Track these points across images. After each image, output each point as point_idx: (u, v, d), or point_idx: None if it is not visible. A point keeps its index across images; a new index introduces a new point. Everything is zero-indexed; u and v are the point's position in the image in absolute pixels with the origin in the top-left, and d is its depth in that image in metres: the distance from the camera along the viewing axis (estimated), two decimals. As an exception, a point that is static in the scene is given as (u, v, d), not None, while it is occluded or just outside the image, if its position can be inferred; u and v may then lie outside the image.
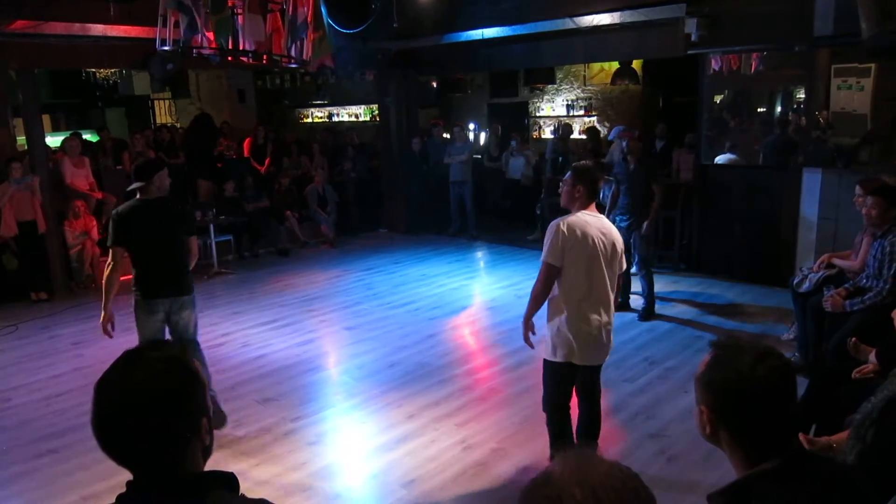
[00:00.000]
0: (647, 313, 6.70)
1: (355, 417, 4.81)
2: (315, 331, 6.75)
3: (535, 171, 11.03)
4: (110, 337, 4.36)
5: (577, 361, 3.55)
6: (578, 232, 3.44)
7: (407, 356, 5.93)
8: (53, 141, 10.35)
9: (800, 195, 7.28)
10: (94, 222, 8.57)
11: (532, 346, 3.80)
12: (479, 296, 7.97)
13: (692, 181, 8.38)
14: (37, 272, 7.93)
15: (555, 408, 3.71)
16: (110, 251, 4.27)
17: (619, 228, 6.43)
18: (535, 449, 4.22)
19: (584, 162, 3.91)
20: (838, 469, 1.66)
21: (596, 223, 3.50)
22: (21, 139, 9.11)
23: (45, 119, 11.41)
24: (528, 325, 3.67)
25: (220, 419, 4.49)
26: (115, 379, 1.33)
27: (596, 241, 3.46)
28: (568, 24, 8.31)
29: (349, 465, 4.18)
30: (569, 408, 3.75)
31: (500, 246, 10.32)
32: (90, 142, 10.75)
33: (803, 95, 7.35)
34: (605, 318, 3.55)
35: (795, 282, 5.32)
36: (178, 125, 13.39)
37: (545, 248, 3.47)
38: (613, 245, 3.55)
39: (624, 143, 9.11)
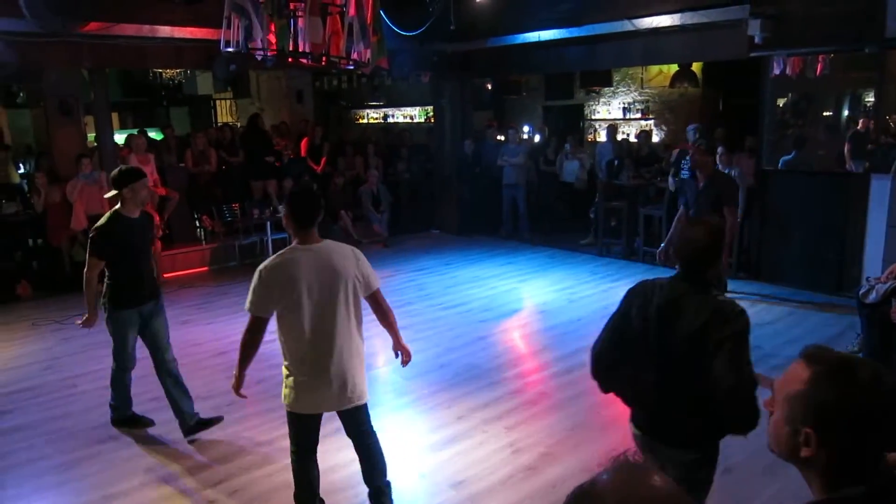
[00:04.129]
0: None
1: (405, 416, 4.85)
2: (366, 329, 6.78)
3: (590, 175, 10.92)
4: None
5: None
6: (283, 276, 3.07)
7: (457, 357, 5.94)
8: (120, 138, 10.74)
9: (867, 202, 7.02)
10: (158, 218, 8.85)
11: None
12: (530, 299, 7.93)
13: (753, 187, 8.16)
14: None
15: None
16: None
17: None
18: (584, 455, 4.18)
19: (303, 181, 3.44)
20: None
21: (311, 257, 3.12)
22: (91, 136, 9.51)
23: (114, 117, 11.85)
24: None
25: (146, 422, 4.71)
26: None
27: (307, 283, 3.09)
28: (626, 26, 8.21)
29: (398, 463, 4.20)
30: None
31: (553, 249, 10.24)
32: (155, 139, 11.11)
33: (872, 99, 7.08)
34: (335, 364, 3.28)
35: (861, 292, 5.12)
36: (239, 124, 13.71)
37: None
38: (336, 275, 3.21)
39: (673, 157, 8.85)
